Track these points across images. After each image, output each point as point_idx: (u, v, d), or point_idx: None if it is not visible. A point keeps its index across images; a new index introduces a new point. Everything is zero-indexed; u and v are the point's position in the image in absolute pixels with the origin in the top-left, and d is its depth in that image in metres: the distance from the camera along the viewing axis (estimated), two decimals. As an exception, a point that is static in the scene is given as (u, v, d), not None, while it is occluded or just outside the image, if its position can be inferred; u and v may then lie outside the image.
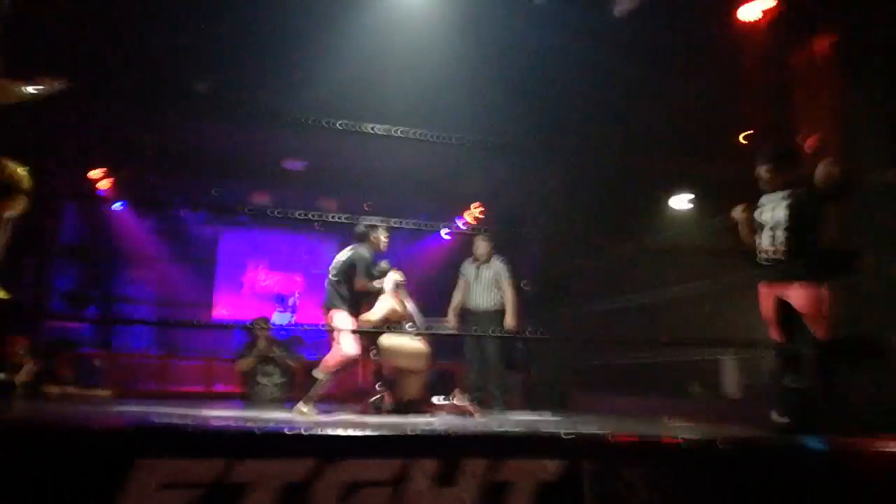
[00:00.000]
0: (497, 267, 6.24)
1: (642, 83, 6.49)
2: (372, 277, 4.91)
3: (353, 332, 4.57)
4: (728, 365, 7.22)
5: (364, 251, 4.94)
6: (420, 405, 4.46)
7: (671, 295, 5.10)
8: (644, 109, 6.96)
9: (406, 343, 4.77)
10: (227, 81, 6.95)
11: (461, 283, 6.34)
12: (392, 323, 4.69)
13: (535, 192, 8.52)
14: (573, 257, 7.54)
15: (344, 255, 5.01)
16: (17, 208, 2.72)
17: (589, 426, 3.26)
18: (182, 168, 9.06)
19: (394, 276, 4.95)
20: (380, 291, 4.94)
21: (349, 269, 4.85)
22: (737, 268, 4.38)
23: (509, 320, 6.07)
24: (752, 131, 6.62)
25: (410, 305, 5.07)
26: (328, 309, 4.85)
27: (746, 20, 5.59)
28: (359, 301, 4.87)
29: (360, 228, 4.98)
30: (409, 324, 4.82)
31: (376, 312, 4.77)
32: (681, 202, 7.80)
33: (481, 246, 6.28)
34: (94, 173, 8.88)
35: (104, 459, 2.01)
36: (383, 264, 5.21)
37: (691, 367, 7.08)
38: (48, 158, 7.37)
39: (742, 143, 6.81)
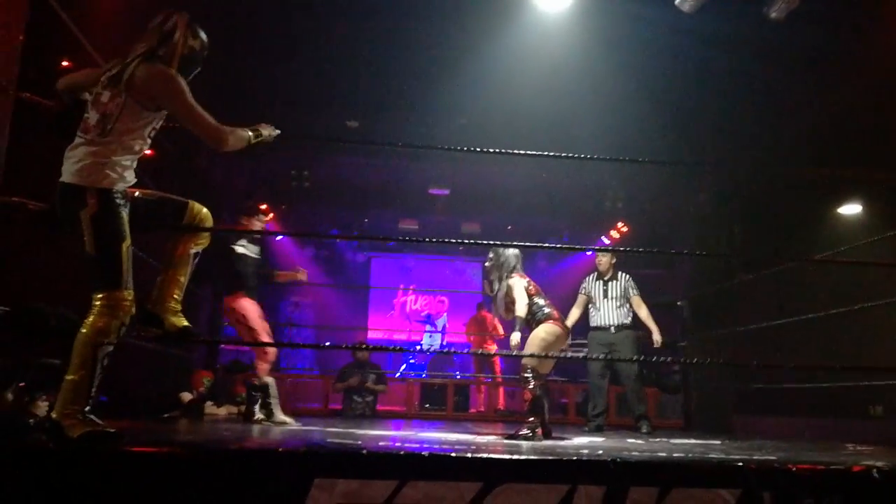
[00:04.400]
0: (625, 281, 5.95)
1: (800, 91, 6.14)
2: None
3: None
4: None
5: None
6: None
7: (843, 311, 4.71)
8: (803, 118, 6.57)
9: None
10: (374, 117, 7.34)
11: (581, 299, 6.00)
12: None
13: (685, 208, 8.20)
14: (732, 274, 7.15)
15: None
16: (201, 245, 2.98)
17: (762, 452, 3.06)
18: (335, 200, 9.64)
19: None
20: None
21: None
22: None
23: (657, 336, 5.76)
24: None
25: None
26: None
27: None
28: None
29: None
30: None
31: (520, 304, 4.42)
32: (852, 212, 7.26)
33: (604, 261, 5.98)
34: (261, 208, 9.63)
35: (286, 478, 2.16)
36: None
37: (870, 386, 6.49)
38: (221, 196, 8.12)
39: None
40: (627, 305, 5.89)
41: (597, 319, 5.95)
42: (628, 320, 5.87)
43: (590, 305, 6.00)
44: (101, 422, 2.41)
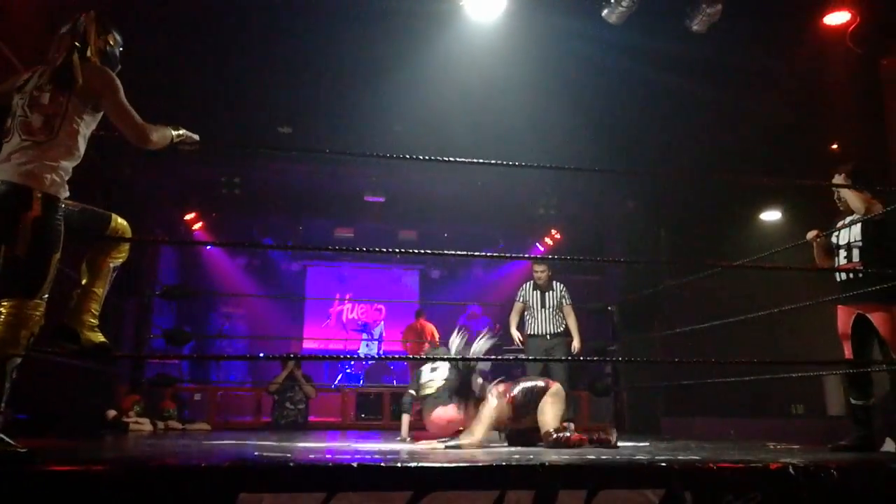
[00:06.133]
0: (560, 291, 6.20)
1: (722, 102, 6.41)
2: None
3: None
4: (831, 382, 6.87)
5: None
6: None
7: (762, 314, 4.92)
8: (725, 128, 6.86)
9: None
10: (307, 123, 7.24)
11: (517, 306, 6.25)
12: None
13: (614, 214, 8.41)
14: (660, 278, 7.36)
15: None
16: (121, 258, 2.90)
17: (686, 452, 3.15)
18: (268, 207, 9.47)
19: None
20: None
21: None
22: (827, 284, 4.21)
23: (577, 344, 6.05)
24: (836, 146, 6.46)
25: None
26: None
27: (828, 31, 5.56)
28: None
29: None
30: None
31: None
32: (772, 218, 7.59)
33: (543, 273, 6.19)
34: (188, 217, 9.38)
35: (210, 494, 2.10)
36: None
37: (791, 386, 6.78)
38: (147, 205, 7.86)
39: (833, 152, 6.62)
40: (561, 314, 6.14)
41: (533, 327, 6.17)
42: (562, 328, 6.13)
43: (526, 313, 6.22)
44: (11, 441, 2.29)
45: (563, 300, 6.15)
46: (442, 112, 6.73)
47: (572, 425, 4.06)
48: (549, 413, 3.99)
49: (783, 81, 6.38)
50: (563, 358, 6.10)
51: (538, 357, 6.05)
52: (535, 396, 4.05)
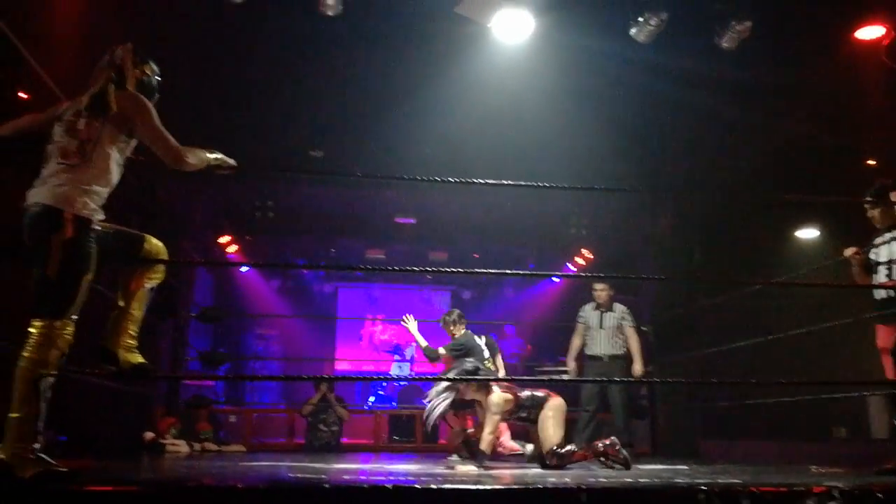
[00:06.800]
0: (620, 312, 6.09)
1: (753, 118, 6.35)
2: None
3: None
4: (875, 404, 6.66)
5: None
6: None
7: (800, 333, 4.81)
8: (757, 145, 6.79)
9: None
10: (338, 146, 7.33)
11: (580, 327, 6.15)
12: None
13: (646, 233, 8.32)
14: (695, 297, 7.25)
15: None
16: (157, 279, 2.95)
17: (726, 476, 3.08)
18: (301, 230, 9.57)
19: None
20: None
21: None
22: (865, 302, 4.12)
23: (638, 367, 5.91)
24: (874, 161, 6.35)
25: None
26: None
27: (861, 45, 5.49)
28: None
29: None
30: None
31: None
32: (809, 235, 7.46)
33: (603, 291, 6.12)
34: (222, 240, 9.52)
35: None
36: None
37: (833, 407, 6.59)
38: (182, 228, 8.01)
39: (869, 168, 6.51)
40: (622, 336, 6.02)
41: (592, 348, 6.08)
42: (622, 350, 6.00)
43: (586, 334, 6.12)
44: (52, 461, 2.33)
45: (624, 321, 6.03)
46: (471, 133, 6.77)
47: (573, 446, 4.13)
48: (551, 429, 4.13)
49: (815, 97, 6.28)
50: (590, 379, 6.00)
51: (595, 380, 6.00)
52: (538, 402, 4.23)
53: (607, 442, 4.04)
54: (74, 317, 2.52)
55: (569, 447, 4.07)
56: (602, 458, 4.02)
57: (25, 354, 2.41)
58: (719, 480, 2.68)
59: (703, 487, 2.31)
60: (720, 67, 5.66)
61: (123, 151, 2.74)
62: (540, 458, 4.17)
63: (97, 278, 2.63)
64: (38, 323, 2.45)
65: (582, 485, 2.27)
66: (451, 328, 5.68)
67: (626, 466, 3.89)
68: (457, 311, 5.87)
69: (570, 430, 5.21)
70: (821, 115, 6.45)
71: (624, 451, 4.00)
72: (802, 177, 6.92)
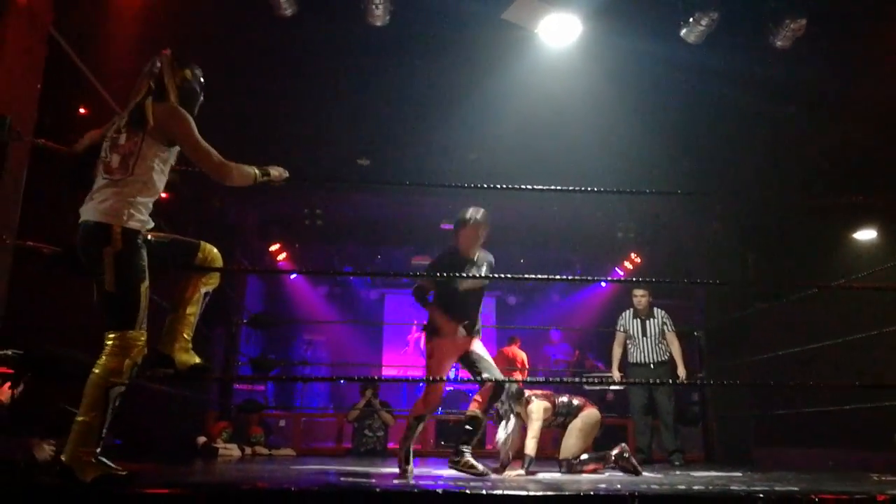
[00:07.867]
0: (661, 317, 6.08)
1: (806, 120, 6.17)
2: None
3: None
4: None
5: None
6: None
7: (861, 337, 4.63)
8: (812, 147, 6.60)
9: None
10: (385, 154, 7.39)
11: (620, 337, 6.16)
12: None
13: (697, 237, 8.16)
14: (748, 302, 7.08)
15: None
16: (212, 285, 3.02)
17: (783, 483, 2.99)
18: (348, 237, 9.69)
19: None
20: None
21: None
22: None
23: (682, 371, 5.88)
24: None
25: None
26: None
27: None
28: None
29: None
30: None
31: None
32: (867, 237, 7.21)
33: (644, 298, 6.09)
34: (272, 248, 9.71)
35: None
36: None
37: (893, 414, 6.34)
38: (234, 237, 8.20)
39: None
40: (665, 342, 6.02)
41: (636, 356, 6.07)
42: (667, 356, 6.00)
43: (628, 342, 6.12)
44: (112, 465, 2.40)
45: (666, 327, 6.03)
46: (517, 139, 6.75)
47: (586, 456, 4.24)
48: (573, 439, 4.27)
49: (870, 97, 6.06)
50: (666, 395, 5.94)
51: (641, 388, 5.98)
52: (572, 410, 4.36)
53: (617, 451, 4.18)
54: (144, 325, 2.58)
55: (583, 457, 4.21)
56: (612, 466, 4.16)
57: (101, 362, 2.48)
58: (777, 488, 2.61)
59: (760, 495, 2.25)
60: (773, 68, 5.52)
61: (166, 161, 2.77)
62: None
63: (154, 285, 2.70)
64: (111, 335, 2.52)
65: (634, 491, 2.24)
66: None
67: (636, 473, 4.01)
68: None
69: (611, 439, 5.20)
70: (877, 115, 6.22)
71: (633, 459, 4.13)
72: (858, 178, 6.69)
